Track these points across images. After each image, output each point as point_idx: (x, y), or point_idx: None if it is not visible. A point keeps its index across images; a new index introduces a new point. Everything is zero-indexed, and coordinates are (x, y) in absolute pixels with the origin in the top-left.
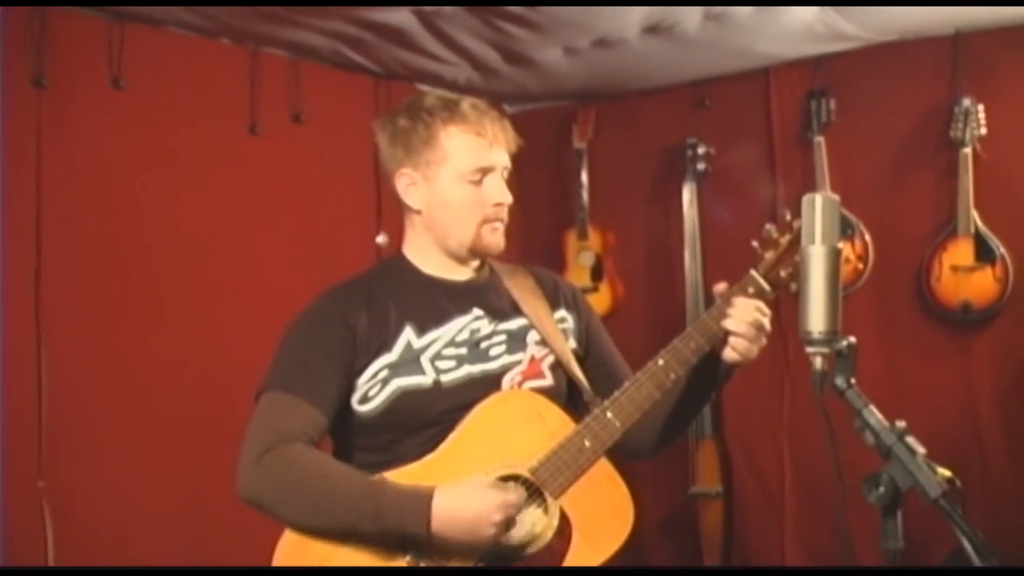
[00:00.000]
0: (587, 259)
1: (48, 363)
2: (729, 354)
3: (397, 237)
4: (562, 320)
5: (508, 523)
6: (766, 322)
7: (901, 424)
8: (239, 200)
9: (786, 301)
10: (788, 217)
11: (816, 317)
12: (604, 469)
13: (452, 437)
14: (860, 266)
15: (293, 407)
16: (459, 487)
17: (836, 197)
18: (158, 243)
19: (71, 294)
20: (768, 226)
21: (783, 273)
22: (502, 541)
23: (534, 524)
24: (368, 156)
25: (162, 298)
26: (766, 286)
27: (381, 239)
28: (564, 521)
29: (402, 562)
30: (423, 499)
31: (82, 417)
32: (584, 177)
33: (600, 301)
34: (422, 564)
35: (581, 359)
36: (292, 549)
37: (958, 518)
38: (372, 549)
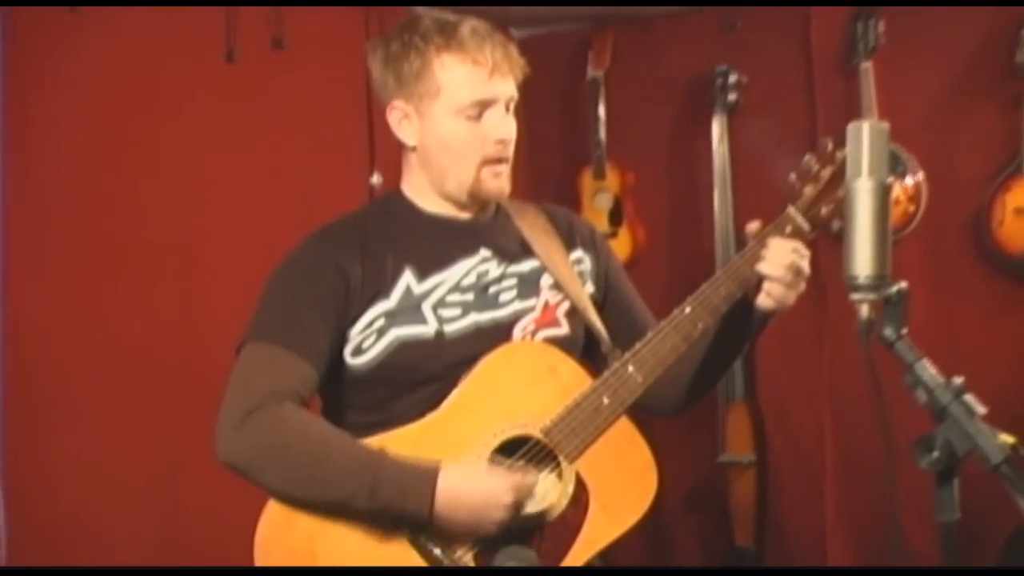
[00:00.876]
0: (604, 201)
1: (3, 319)
2: (763, 301)
3: (393, 178)
4: (578, 261)
5: (518, 506)
6: (804, 265)
7: (958, 380)
8: (215, 136)
9: (826, 246)
10: (830, 147)
11: (862, 260)
12: (624, 430)
13: (455, 394)
14: (911, 208)
15: (279, 360)
16: (468, 466)
17: (886, 125)
18: (124, 184)
19: (29, 242)
20: (807, 157)
21: (824, 210)
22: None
23: (547, 492)
24: (359, 86)
25: (131, 246)
26: (805, 225)
27: (375, 179)
28: (580, 488)
29: (399, 542)
30: (427, 476)
31: (42, 377)
32: (601, 110)
33: (619, 248)
34: (423, 539)
35: (599, 306)
36: (277, 522)
37: (1023, 488)
38: (366, 526)
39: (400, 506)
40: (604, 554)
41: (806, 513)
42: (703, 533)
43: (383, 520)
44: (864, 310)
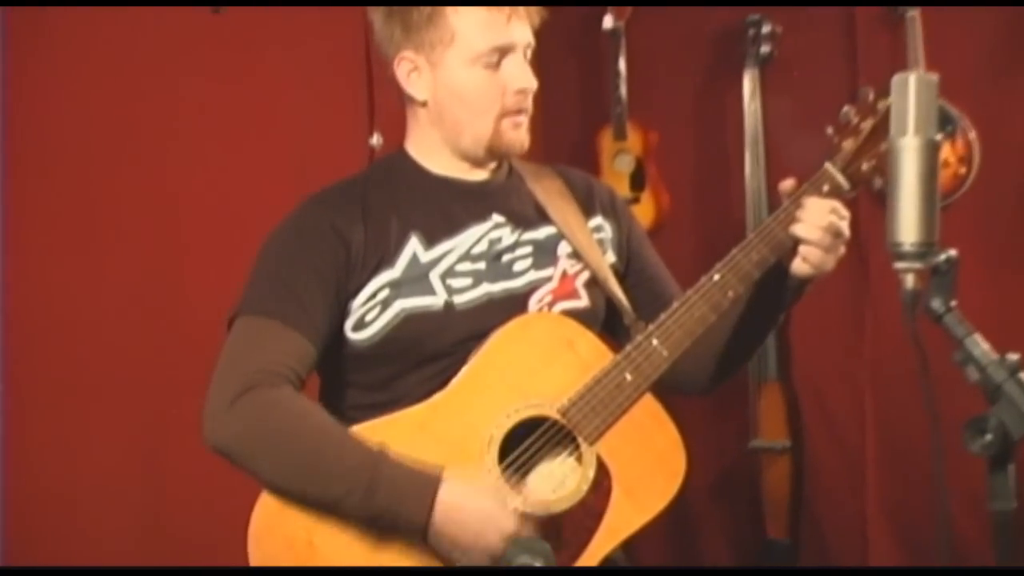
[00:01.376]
0: (625, 164)
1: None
2: (799, 267)
3: (394, 139)
4: (598, 229)
5: (515, 536)
6: (844, 226)
7: (1014, 357)
8: (202, 94)
9: (869, 207)
10: (871, 97)
11: (908, 225)
12: (649, 408)
13: (464, 372)
14: (961, 170)
15: (275, 335)
16: (474, 480)
17: (935, 77)
18: (105, 145)
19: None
20: (846, 108)
21: (865, 166)
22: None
23: (565, 477)
24: (358, 39)
25: (114, 211)
26: (844, 183)
27: (375, 140)
28: (602, 472)
29: (388, 554)
30: (428, 483)
31: (40, 365)
32: (621, 64)
33: (642, 214)
34: (413, 559)
35: (621, 276)
36: (273, 512)
37: None
38: (355, 532)
39: (395, 511)
40: (627, 545)
41: (845, 504)
42: (732, 526)
43: (375, 527)
44: (909, 280)
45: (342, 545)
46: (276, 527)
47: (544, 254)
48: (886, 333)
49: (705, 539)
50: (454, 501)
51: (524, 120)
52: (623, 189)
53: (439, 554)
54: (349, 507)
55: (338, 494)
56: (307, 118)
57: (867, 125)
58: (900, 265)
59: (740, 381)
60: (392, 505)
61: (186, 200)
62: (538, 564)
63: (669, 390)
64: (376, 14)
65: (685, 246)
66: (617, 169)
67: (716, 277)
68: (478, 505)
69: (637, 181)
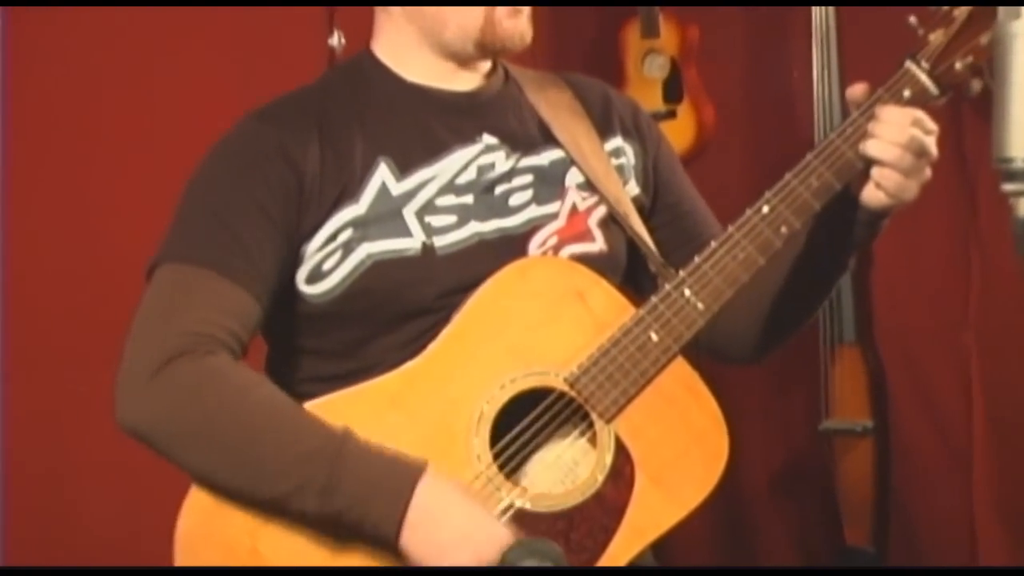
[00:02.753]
0: (658, 68)
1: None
2: (872, 195)
3: (359, 39)
4: (616, 152)
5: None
6: (930, 142)
7: None
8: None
9: (971, 117)
10: None
11: (1021, 136)
12: (681, 377)
13: (448, 332)
14: None
15: (208, 288)
16: (456, 486)
17: None
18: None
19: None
20: None
21: (959, 65)
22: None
23: (576, 464)
24: None
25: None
26: (931, 86)
27: (335, 41)
28: (622, 457)
29: (351, 560)
30: (404, 478)
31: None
32: None
33: (678, 133)
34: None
35: (646, 211)
36: (208, 511)
37: None
38: (311, 535)
39: (359, 516)
40: (658, 548)
41: (946, 501)
42: (799, 531)
43: (333, 531)
44: (1022, 206)
45: (295, 552)
46: (211, 530)
47: (548, 184)
48: (998, 280)
49: (764, 547)
50: (434, 508)
51: (525, 8)
52: (654, 101)
53: (411, 564)
54: (301, 507)
55: (287, 490)
56: (255, 16)
57: (961, 13)
58: (1009, 187)
59: (807, 345)
60: (355, 506)
61: (107, 119)
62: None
63: (707, 356)
64: None
65: (731, 173)
66: (646, 75)
67: (765, 209)
68: (460, 515)
69: (672, 90)
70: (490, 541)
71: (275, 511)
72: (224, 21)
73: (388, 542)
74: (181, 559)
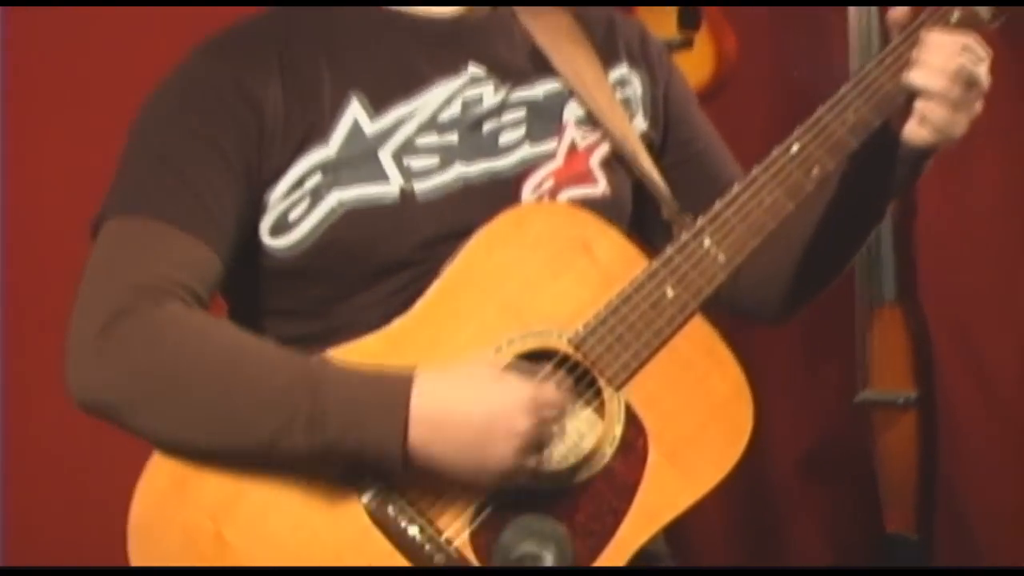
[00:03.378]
0: None
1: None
2: (915, 132)
3: None
4: (622, 83)
5: (542, 439)
6: (981, 71)
7: None
8: None
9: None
10: None
11: None
12: (700, 339)
13: (435, 289)
14: None
15: (162, 241)
16: (458, 371)
17: None
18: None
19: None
20: None
21: None
22: (530, 467)
23: (581, 436)
24: None
25: None
26: (983, 8)
27: None
28: (633, 429)
29: (351, 516)
30: (396, 389)
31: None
32: None
33: (695, 65)
34: (390, 511)
35: (656, 149)
36: (164, 493)
37: None
38: (299, 494)
39: (356, 441)
40: (672, 534)
41: (1001, 482)
42: (834, 515)
43: (332, 470)
44: None
45: (263, 537)
46: (168, 514)
47: (544, 120)
48: None
49: (793, 536)
50: (438, 409)
51: None
52: (667, 28)
53: (425, 499)
54: (290, 447)
55: (271, 431)
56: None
57: None
58: None
59: (842, 306)
60: (350, 431)
61: (33, 56)
62: (548, 554)
63: (728, 313)
64: None
65: (755, 111)
66: None
67: (795, 148)
68: (474, 406)
69: (688, 16)
70: (515, 405)
71: (258, 465)
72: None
73: (397, 466)
74: (134, 547)
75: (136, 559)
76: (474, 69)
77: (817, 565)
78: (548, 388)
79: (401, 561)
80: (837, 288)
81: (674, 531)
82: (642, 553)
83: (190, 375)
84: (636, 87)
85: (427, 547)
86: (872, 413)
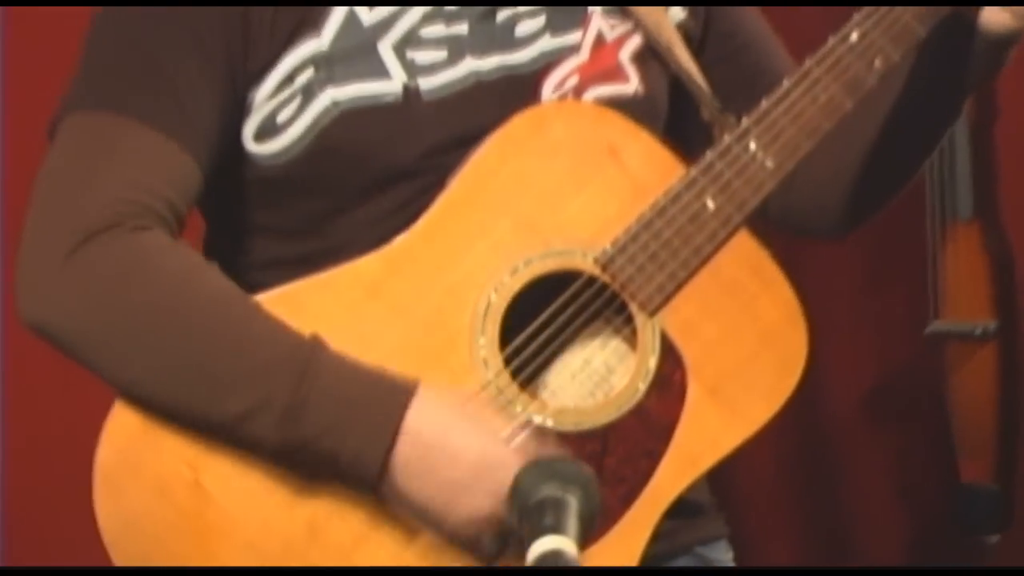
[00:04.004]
0: None
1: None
2: (995, 17)
3: None
4: None
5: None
6: None
7: None
8: None
9: None
10: None
11: None
12: (746, 256)
13: (442, 203)
14: None
15: (135, 144)
16: (462, 404)
17: None
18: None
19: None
20: None
21: None
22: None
23: (610, 370)
24: None
25: None
26: None
27: None
28: (670, 361)
29: (321, 499)
30: (392, 394)
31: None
32: None
33: None
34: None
35: (695, 42)
36: (134, 435)
37: None
38: (272, 466)
39: (331, 449)
40: (715, 480)
41: None
42: (902, 462)
43: (296, 462)
44: None
45: (250, 488)
46: (140, 460)
47: (566, 8)
48: None
49: (854, 485)
50: (433, 431)
51: None
52: None
53: (407, 513)
54: (256, 434)
55: (238, 411)
56: None
57: None
58: None
59: (910, 223)
60: (326, 435)
61: None
62: (573, 499)
63: (779, 228)
64: None
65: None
66: None
67: (854, 37)
68: (466, 447)
69: None
70: (509, 466)
71: (222, 437)
72: None
73: (368, 484)
74: (100, 499)
75: (102, 512)
76: None
77: (881, 518)
78: (548, 444)
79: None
80: (905, 203)
81: (719, 477)
82: (682, 503)
83: (162, 323)
84: None
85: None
86: (945, 346)
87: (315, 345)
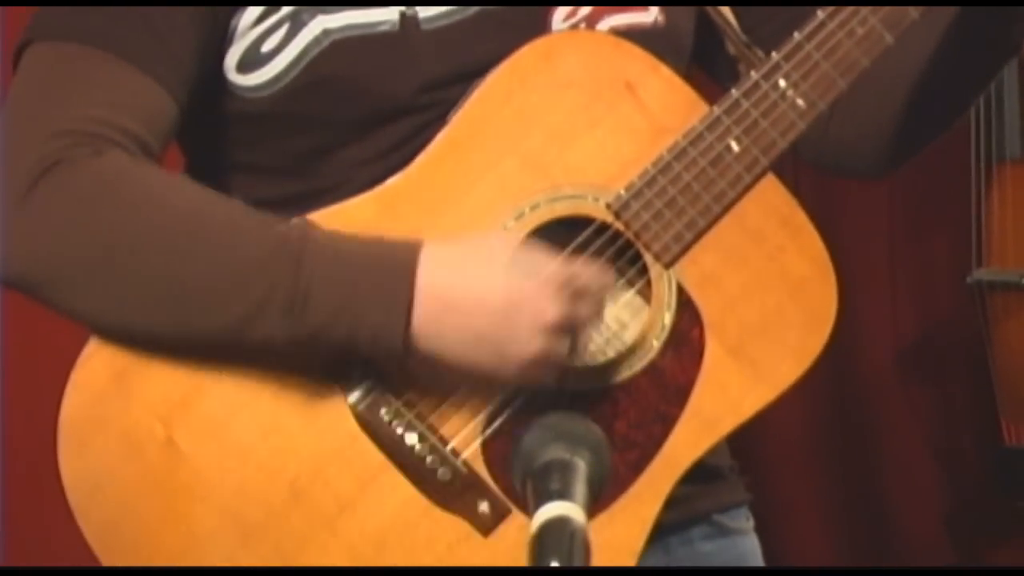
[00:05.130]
0: None
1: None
2: None
3: None
4: None
5: (575, 329)
6: None
7: None
8: None
9: None
10: None
11: None
12: (773, 204)
13: (442, 141)
14: None
15: (101, 76)
16: (472, 243)
17: None
18: None
19: None
20: None
21: None
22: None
23: (622, 325)
24: None
25: None
26: None
27: None
28: (687, 316)
29: (332, 415)
30: (397, 261)
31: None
32: None
33: None
34: (383, 414)
35: None
36: (102, 387)
37: None
38: (278, 380)
39: (347, 326)
40: (739, 443)
41: None
42: (942, 423)
43: (308, 368)
44: None
45: (227, 445)
46: (107, 413)
47: None
48: None
49: (891, 448)
50: (448, 286)
51: None
52: None
53: (427, 398)
54: (264, 335)
55: (240, 315)
56: None
57: None
58: None
59: (953, 164)
60: (339, 319)
61: None
62: (581, 461)
63: (813, 167)
64: None
65: None
66: None
67: None
68: (491, 284)
69: None
70: (542, 285)
71: (226, 355)
72: None
73: (394, 350)
74: (64, 455)
75: (66, 470)
76: None
77: (917, 484)
78: (583, 265)
79: (395, 475)
80: (948, 142)
81: (740, 438)
82: (699, 466)
83: (138, 241)
84: None
85: (429, 459)
86: (989, 296)
87: (305, 227)
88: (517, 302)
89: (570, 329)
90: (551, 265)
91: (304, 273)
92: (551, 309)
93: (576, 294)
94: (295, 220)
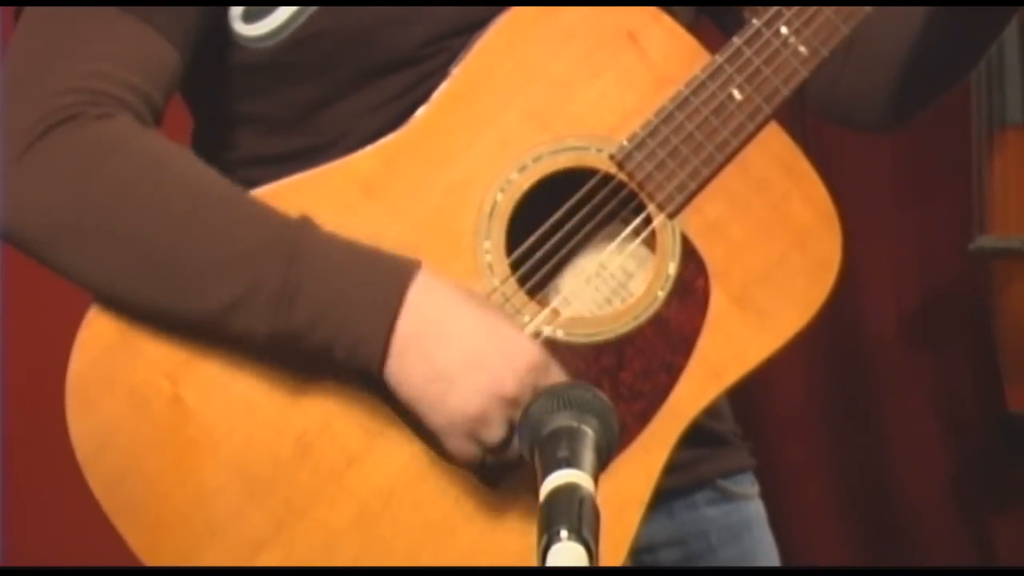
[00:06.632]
0: None
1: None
2: None
3: None
4: None
5: (513, 412)
6: None
7: None
8: None
9: None
10: None
11: None
12: (777, 152)
13: (443, 93)
14: None
15: (104, 30)
16: (475, 293)
17: None
18: None
19: None
20: None
21: None
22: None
23: (628, 275)
24: None
25: None
26: None
27: None
28: (692, 266)
29: (334, 380)
30: (387, 282)
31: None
32: None
33: None
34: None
35: None
36: (109, 346)
37: None
38: (257, 379)
39: (328, 334)
40: (741, 407)
41: None
42: (945, 388)
43: (291, 354)
44: None
45: (234, 401)
46: (114, 371)
47: None
48: None
49: (894, 413)
50: (432, 317)
51: None
52: None
53: (402, 401)
54: (245, 326)
55: (225, 302)
56: None
57: None
58: None
59: (954, 128)
60: (322, 321)
61: None
62: (589, 428)
63: (819, 116)
64: None
65: None
66: None
67: None
68: (471, 328)
69: None
70: (516, 357)
71: (208, 335)
72: None
73: (370, 371)
74: (72, 412)
75: (75, 428)
76: None
77: (920, 449)
78: (554, 366)
79: (403, 428)
80: (949, 105)
81: (745, 404)
82: (703, 431)
83: (133, 211)
84: None
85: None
86: (992, 263)
87: (304, 224)
88: (486, 358)
89: (513, 412)
90: (531, 347)
91: (296, 270)
92: (511, 382)
93: (537, 384)
94: (296, 216)
